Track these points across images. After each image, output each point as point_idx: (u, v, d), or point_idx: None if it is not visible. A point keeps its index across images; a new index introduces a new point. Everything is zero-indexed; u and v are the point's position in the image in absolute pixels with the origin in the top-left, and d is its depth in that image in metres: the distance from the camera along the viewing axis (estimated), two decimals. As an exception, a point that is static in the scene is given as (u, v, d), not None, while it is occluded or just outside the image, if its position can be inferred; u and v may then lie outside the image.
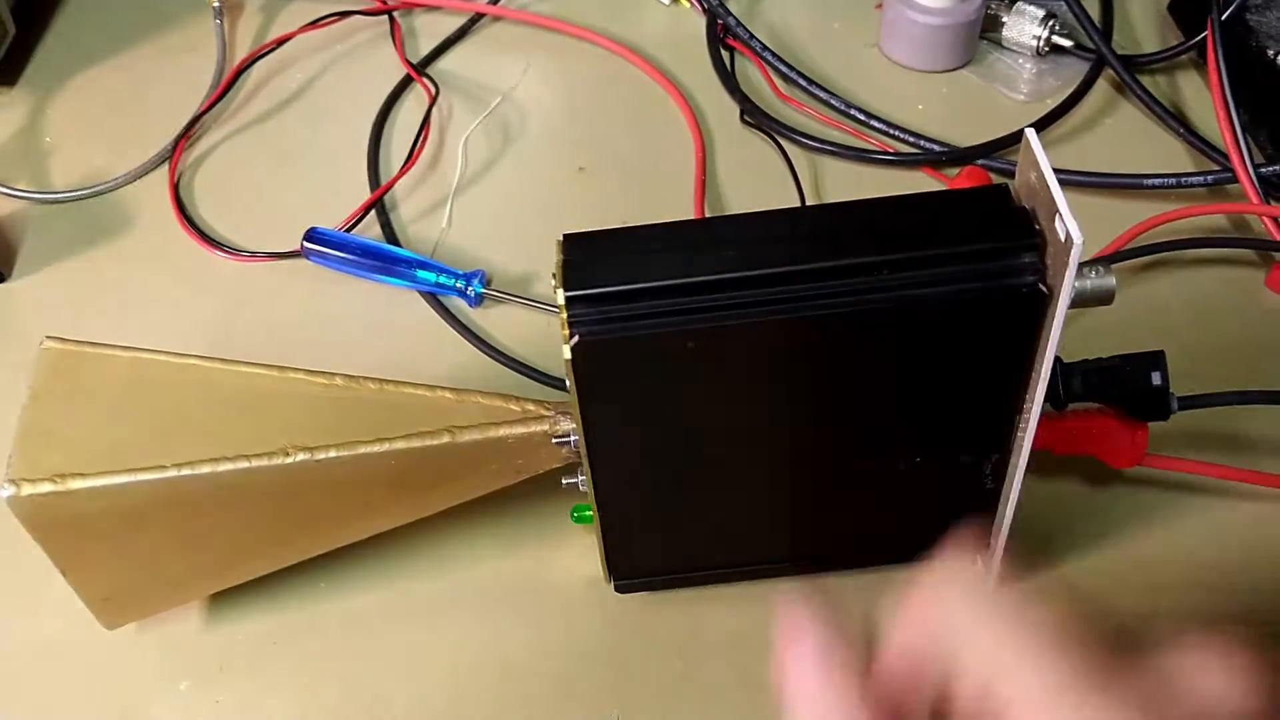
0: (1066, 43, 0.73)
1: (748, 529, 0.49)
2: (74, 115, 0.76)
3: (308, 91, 0.76)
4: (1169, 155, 0.68)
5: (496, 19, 0.80)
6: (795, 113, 0.72)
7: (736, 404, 0.44)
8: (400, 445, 0.46)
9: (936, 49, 0.74)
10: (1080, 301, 0.41)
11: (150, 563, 0.48)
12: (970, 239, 0.40)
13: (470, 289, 0.62)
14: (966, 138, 0.69)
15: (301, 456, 0.45)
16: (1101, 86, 0.73)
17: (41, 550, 0.45)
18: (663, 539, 0.49)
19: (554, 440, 0.47)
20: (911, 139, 0.69)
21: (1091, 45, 0.72)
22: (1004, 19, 0.74)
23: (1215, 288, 0.62)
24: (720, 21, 0.76)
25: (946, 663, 0.29)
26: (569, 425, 0.47)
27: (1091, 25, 0.70)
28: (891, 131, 0.70)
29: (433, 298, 0.63)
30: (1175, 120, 0.69)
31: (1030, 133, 0.40)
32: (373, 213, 0.68)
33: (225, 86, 0.76)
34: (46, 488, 0.44)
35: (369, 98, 0.75)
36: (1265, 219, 0.62)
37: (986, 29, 0.75)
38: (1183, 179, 0.65)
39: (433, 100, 0.73)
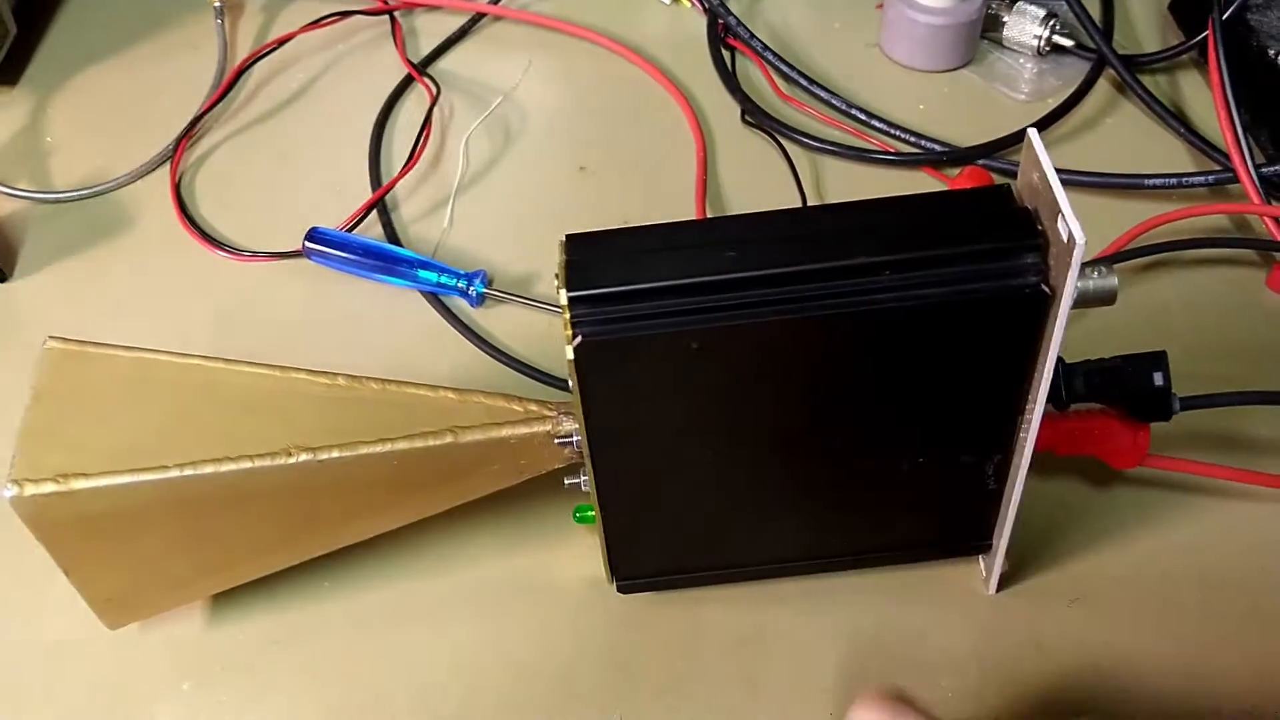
0: (1067, 42, 0.73)
1: (750, 529, 0.49)
2: (75, 115, 0.76)
3: (309, 91, 0.76)
4: (1170, 155, 0.68)
5: (497, 19, 0.80)
6: (796, 112, 0.72)
7: (738, 404, 0.44)
8: (403, 446, 0.46)
9: (937, 49, 0.74)
10: (1082, 302, 0.41)
11: (153, 563, 0.48)
12: (973, 240, 0.40)
13: (472, 289, 0.62)
14: (967, 137, 0.69)
15: (304, 457, 0.45)
16: (1102, 86, 0.73)
17: (44, 550, 0.45)
18: (665, 539, 0.49)
19: (556, 440, 0.47)
20: (912, 139, 0.69)
21: (1092, 45, 0.72)
22: (1005, 19, 0.74)
23: (1216, 288, 0.62)
24: (721, 21, 0.76)
25: None
26: (571, 425, 0.47)
27: (1092, 25, 0.70)
28: (892, 131, 0.70)
29: (434, 298, 0.63)
30: (1176, 120, 0.69)
31: (1033, 133, 0.40)
32: (374, 212, 0.68)
33: (226, 86, 0.76)
34: (49, 488, 0.44)
35: (370, 97, 0.75)
36: (1266, 219, 0.62)
37: (987, 29, 0.75)
38: (1184, 179, 0.65)
39: (434, 100, 0.73)
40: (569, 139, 0.72)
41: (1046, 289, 0.40)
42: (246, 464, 0.45)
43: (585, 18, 0.79)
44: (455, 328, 0.62)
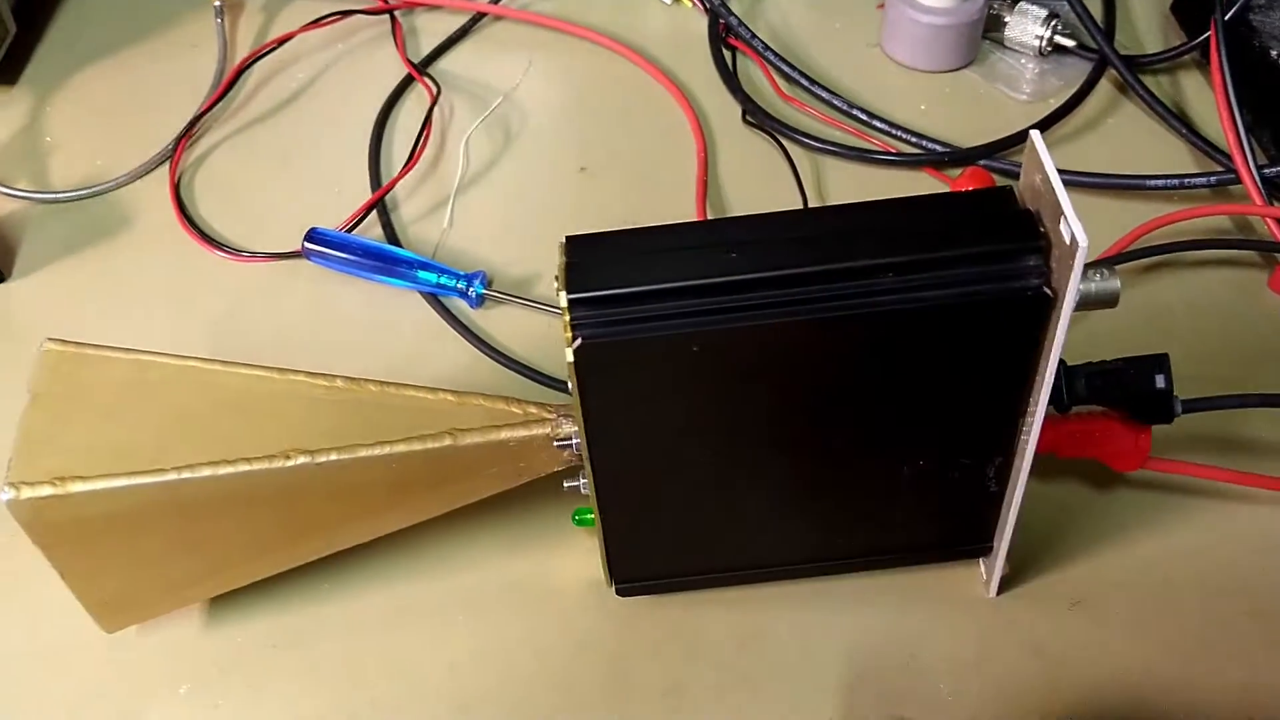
0: (1069, 43, 0.73)
1: (749, 533, 0.49)
2: (74, 115, 0.76)
3: (309, 91, 0.76)
4: (1172, 156, 0.68)
5: (498, 18, 0.80)
6: (797, 113, 0.72)
7: (739, 407, 0.44)
8: (401, 448, 0.46)
9: (939, 49, 0.73)
10: (1085, 304, 0.41)
11: (150, 566, 0.48)
12: (975, 242, 0.40)
13: (471, 290, 0.62)
14: (969, 138, 0.69)
15: (302, 459, 0.45)
16: (1104, 87, 0.72)
17: (41, 553, 0.45)
18: (664, 542, 0.49)
19: (555, 443, 0.47)
20: (914, 139, 0.69)
21: (1094, 45, 0.72)
22: (1006, 19, 0.74)
23: (1219, 289, 0.61)
24: (722, 21, 0.76)
25: None
26: (571, 428, 0.47)
27: (1094, 25, 0.70)
28: (894, 132, 0.70)
29: (434, 299, 0.63)
30: (1178, 121, 0.69)
31: (1036, 136, 0.40)
32: (374, 213, 0.68)
33: (226, 86, 0.75)
34: (46, 491, 0.43)
35: (370, 97, 0.74)
36: (1268, 220, 0.62)
37: (989, 29, 0.74)
38: (1186, 180, 0.65)
39: (434, 100, 0.73)
40: (569, 139, 0.72)
41: (1048, 292, 0.40)
42: (244, 467, 0.45)
43: (586, 18, 0.78)
44: (455, 329, 0.62)
